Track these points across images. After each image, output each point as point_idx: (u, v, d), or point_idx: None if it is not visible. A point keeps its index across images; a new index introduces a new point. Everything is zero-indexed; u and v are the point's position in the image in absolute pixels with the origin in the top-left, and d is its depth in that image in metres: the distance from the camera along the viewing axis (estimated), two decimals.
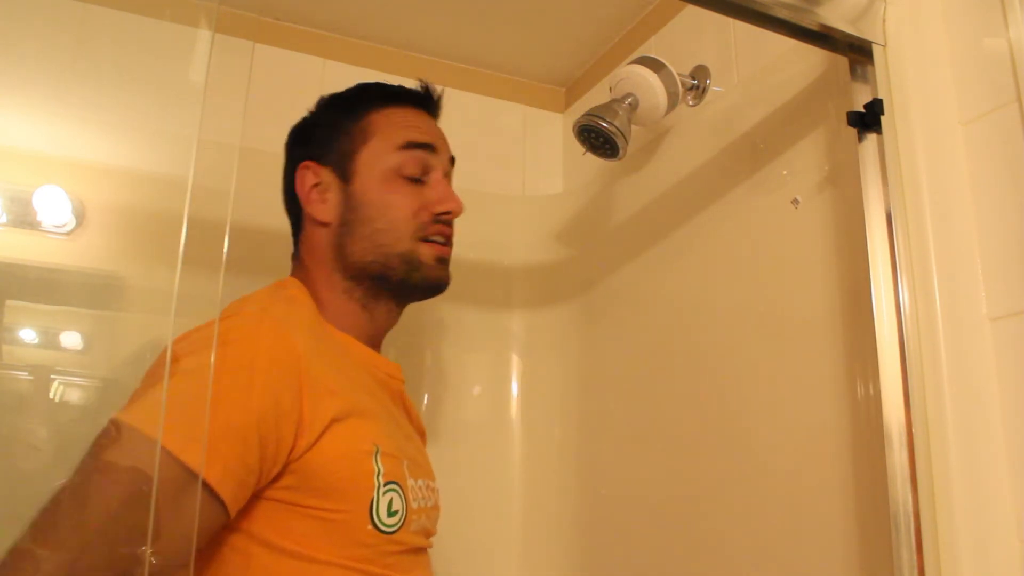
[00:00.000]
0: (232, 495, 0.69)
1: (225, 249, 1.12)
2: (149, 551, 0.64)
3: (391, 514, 0.77)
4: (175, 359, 0.74)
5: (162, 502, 0.64)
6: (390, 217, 0.89)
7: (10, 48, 1.15)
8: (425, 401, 1.44)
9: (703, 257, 1.16)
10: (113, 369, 1.20)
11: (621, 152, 1.16)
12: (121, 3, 1.25)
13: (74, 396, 1.18)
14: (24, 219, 1.16)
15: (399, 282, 0.90)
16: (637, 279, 1.32)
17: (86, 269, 1.21)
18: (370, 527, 0.75)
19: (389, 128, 0.92)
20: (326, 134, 0.93)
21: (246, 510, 0.73)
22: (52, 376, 1.14)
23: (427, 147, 0.92)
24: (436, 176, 0.93)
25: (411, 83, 1.54)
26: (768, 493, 0.99)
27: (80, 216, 1.18)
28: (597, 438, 1.37)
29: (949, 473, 0.76)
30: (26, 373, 1.14)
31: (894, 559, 0.74)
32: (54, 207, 1.17)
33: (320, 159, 0.92)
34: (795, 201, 1.01)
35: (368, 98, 0.94)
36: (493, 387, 1.52)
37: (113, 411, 0.99)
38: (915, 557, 0.73)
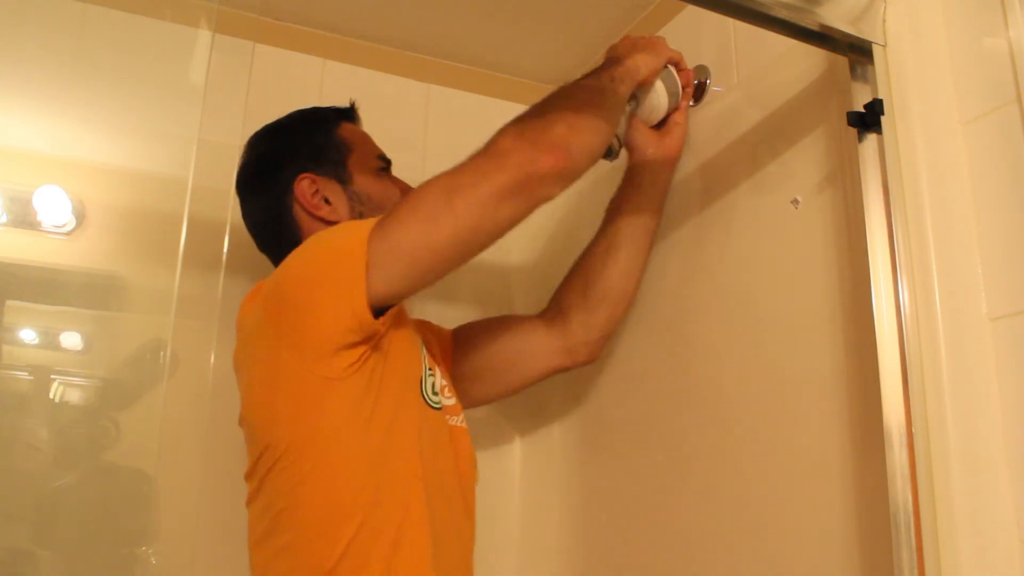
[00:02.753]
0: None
1: (225, 249, 1.12)
2: (150, 551, 0.65)
3: (434, 392, 0.97)
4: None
5: None
6: (392, 203, 1.02)
7: (10, 48, 1.15)
8: None
9: (703, 257, 1.16)
10: (113, 369, 1.20)
11: (615, 153, 1.16)
12: (121, 3, 1.25)
13: (74, 396, 1.18)
14: (24, 219, 1.16)
15: None
16: None
17: (86, 269, 1.22)
18: (421, 401, 0.94)
19: (358, 140, 1.11)
20: (311, 150, 1.07)
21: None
22: (52, 376, 1.14)
23: (388, 160, 1.13)
24: (391, 175, 1.14)
25: (408, 83, 1.55)
26: (768, 493, 0.99)
27: (80, 216, 1.19)
28: (597, 438, 1.37)
29: (949, 473, 0.76)
30: (26, 373, 1.14)
31: (894, 559, 0.74)
32: (54, 207, 1.17)
33: (316, 170, 1.05)
34: (795, 201, 1.01)
35: (329, 116, 1.12)
36: None
37: (113, 411, 0.99)
38: (915, 557, 0.73)
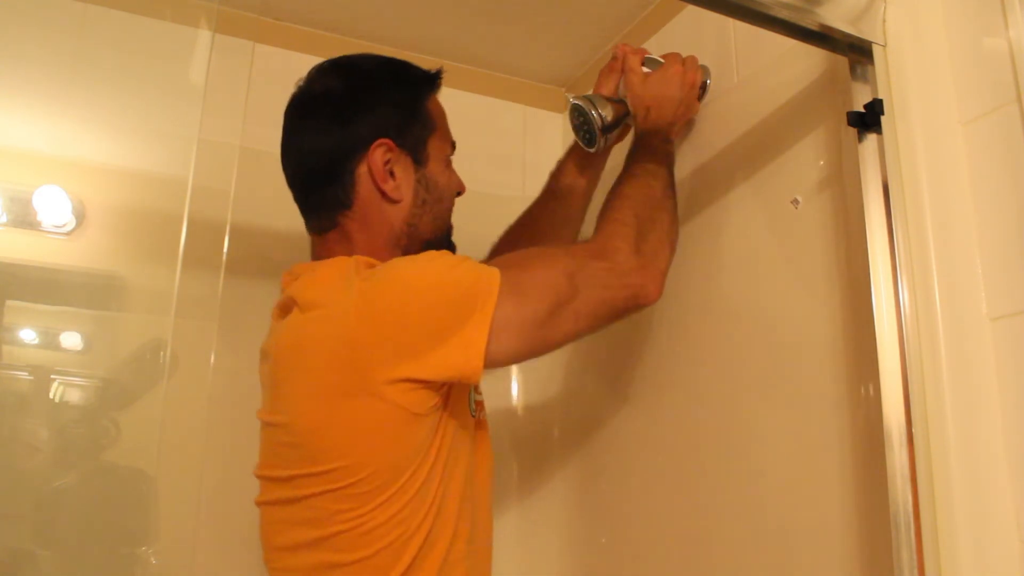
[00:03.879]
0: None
1: (225, 249, 1.12)
2: (150, 551, 0.65)
3: (473, 402, 0.96)
4: None
5: None
6: (449, 198, 1.02)
7: (10, 48, 1.15)
8: None
9: (703, 257, 1.16)
10: (113, 369, 1.20)
11: (596, 146, 1.17)
12: (121, 3, 1.25)
13: (74, 396, 1.18)
14: (24, 219, 1.16)
15: (438, 242, 1.00)
16: None
17: (86, 269, 1.22)
18: (468, 412, 0.93)
19: (441, 121, 1.03)
20: (395, 116, 0.97)
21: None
22: (52, 376, 1.14)
23: (454, 148, 1.05)
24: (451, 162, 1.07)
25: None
26: (768, 493, 0.99)
27: (80, 216, 1.19)
28: (597, 438, 1.37)
29: (949, 473, 0.76)
30: (26, 373, 1.14)
31: (894, 559, 0.74)
32: (54, 207, 1.17)
33: (397, 139, 0.96)
34: (795, 201, 1.01)
35: (421, 83, 1.01)
36: (493, 385, 1.52)
37: (113, 411, 0.99)
38: (915, 557, 0.73)
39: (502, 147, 1.61)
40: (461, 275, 0.84)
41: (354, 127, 0.96)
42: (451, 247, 1.03)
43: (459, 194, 1.04)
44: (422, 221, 0.98)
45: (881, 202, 0.82)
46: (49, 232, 1.17)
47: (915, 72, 0.85)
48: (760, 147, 1.09)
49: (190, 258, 1.10)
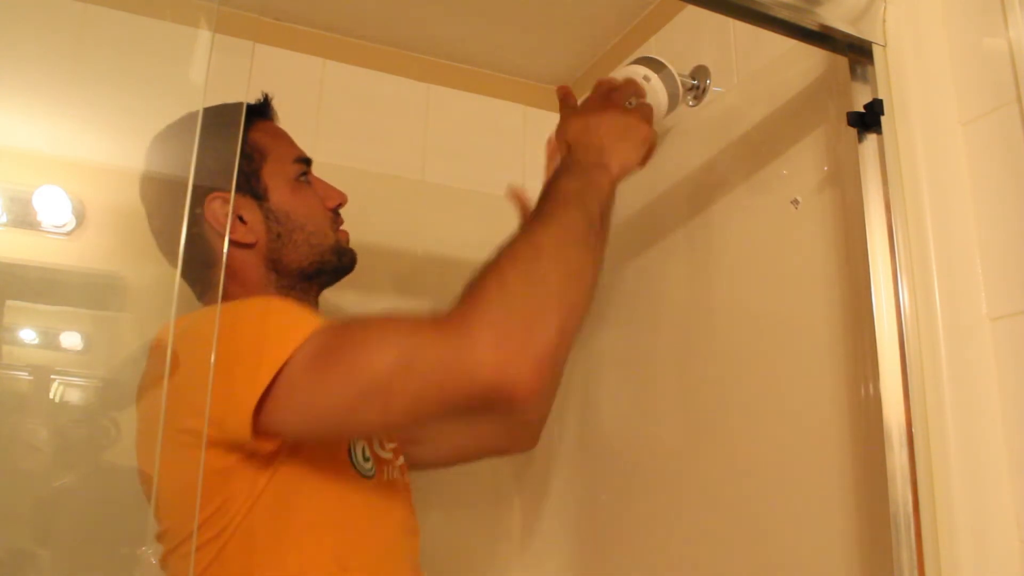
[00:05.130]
0: None
1: (225, 249, 1.12)
2: (150, 551, 0.65)
3: (365, 459, 0.87)
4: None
5: None
6: (312, 217, 0.97)
7: (10, 48, 1.15)
8: None
9: (703, 257, 1.16)
10: (113, 369, 1.20)
11: None
12: (121, 3, 1.25)
13: (74, 396, 1.18)
14: (24, 219, 1.16)
15: (332, 270, 0.99)
16: (637, 279, 1.32)
17: (86, 269, 1.21)
18: (352, 470, 0.85)
19: (273, 145, 0.98)
20: (216, 163, 0.92)
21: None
22: (52, 376, 1.14)
23: (308, 161, 1.01)
24: (314, 177, 1.02)
25: (408, 83, 1.55)
26: (768, 492, 0.99)
27: (80, 216, 1.18)
28: (596, 438, 1.37)
29: (949, 473, 0.76)
30: (26, 373, 1.14)
31: (894, 559, 0.74)
32: (54, 207, 1.17)
33: (221, 188, 0.92)
34: (795, 201, 1.01)
35: (235, 120, 0.96)
36: None
37: (113, 411, 0.99)
38: (915, 557, 0.73)
39: (502, 147, 1.61)
40: (254, 326, 0.76)
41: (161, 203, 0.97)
42: (341, 267, 1.00)
43: (339, 206, 1.01)
44: (284, 256, 0.95)
45: (881, 202, 0.82)
46: (49, 232, 1.17)
47: (915, 72, 0.85)
48: (760, 147, 1.09)
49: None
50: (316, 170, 1.04)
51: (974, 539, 0.74)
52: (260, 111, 1.02)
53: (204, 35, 1.10)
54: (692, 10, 1.29)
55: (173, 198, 0.94)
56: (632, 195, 1.36)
